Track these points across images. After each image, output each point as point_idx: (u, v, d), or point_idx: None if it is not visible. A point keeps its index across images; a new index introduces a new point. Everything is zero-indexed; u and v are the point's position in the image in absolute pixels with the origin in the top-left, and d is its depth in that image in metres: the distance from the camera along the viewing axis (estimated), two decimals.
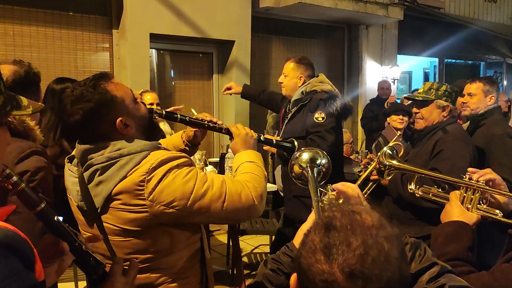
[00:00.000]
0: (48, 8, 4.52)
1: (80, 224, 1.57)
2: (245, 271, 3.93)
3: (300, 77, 3.16)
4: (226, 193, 1.46)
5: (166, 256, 1.49)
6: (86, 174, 1.46)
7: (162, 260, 1.49)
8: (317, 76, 3.24)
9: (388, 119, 4.42)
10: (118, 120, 1.45)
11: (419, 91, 2.66)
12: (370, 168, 2.10)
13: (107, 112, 1.44)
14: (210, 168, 3.54)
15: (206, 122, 1.79)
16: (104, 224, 1.46)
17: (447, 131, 2.49)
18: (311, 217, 1.23)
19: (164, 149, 1.55)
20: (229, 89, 3.71)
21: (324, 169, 1.43)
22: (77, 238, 1.00)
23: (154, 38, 4.85)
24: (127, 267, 1.13)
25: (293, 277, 0.84)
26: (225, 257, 4.46)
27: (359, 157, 5.29)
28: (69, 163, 1.57)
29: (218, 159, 3.72)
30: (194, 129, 1.87)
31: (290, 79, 3.19)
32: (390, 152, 1.97)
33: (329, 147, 2.88)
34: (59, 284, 2.98)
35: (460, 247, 1.41)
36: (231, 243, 3.77)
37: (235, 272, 3.71)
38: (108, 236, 1.47)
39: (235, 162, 1.69)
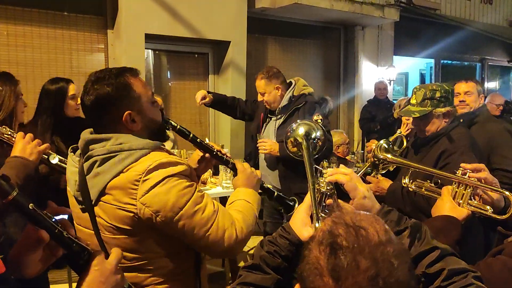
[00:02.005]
0: (42, 8, 4.49)
1: (75, 217, 1.56)
2: None
3: (277, 87, 3.37)
4: (213, 223, 1.44)
5: (157, 258, 1.47)
6: (86, 165, 1.46)
7: (152, 261, 1.47)
8: (293, 80, 3.43)
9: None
10: (126, 113, 1.46)
11: (411, 101, 2.39)
12: (365, 167, 2.09)
13: (120, 102, 1.46)
14: None
15: (215, 150, 1.78)
16: (97, 218, 1.45)
17: (453, 140, 2.29)
18: (307, 198, 1.21)
19: (167, 151, 1.54)
20: (204, 98, 3.61)
21: (320, 142, 1.42)
22: (57, 225, 0.97)
23: (150, 38, 4.83)
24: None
25: None
26: (221, 258, 4.44)
27: (355, 158, 5.30)
28: (72, 153, 1.58)
29: None
30: (198, 160, 1.82)
31: (269, 94, 3.36)
32: (386, 146, 1.97)
33: (332, 147, 3.04)
34: (54, 286, 2.96)
35: (448, 241, 1.40)
36: None
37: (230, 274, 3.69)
38: (100, 232, 1.46)
39: (232, 195, 1.67)
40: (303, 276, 0.77)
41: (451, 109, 2.33)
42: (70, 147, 1.60)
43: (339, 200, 1.19)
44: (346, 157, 4.57)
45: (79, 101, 3.03)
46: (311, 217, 1.15)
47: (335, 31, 7.00)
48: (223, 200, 3.79)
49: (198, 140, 1.75)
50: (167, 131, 1.68)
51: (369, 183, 2.36)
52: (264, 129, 3.49)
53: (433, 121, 2.31)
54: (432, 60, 8.89)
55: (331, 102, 3.32)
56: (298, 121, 1.53)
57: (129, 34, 4.68)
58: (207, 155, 1.80)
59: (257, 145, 3.35)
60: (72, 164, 1.55)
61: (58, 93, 2.89)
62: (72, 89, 2.96)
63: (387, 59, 7.44)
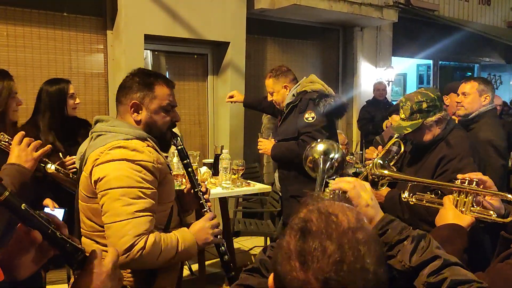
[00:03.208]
0: (42, 8, 4.49)
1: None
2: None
3: (285, 86, 3.26)
4: (122, 221, 1.48)
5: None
6: (89, 139, 1.72)
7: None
8: (307, 77, 3.30)
9: (389, 118, 4.38)
10: (134, 101, 1.67)
11: (401, 116, 2.35)
12: (362, 176, 2.10)
13: (136, 91, 1.67)
14: (204, 169, 3.53)
15: (199, 188, 1.83)
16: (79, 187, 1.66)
17: (451, 145, 2.27)
18: None
19: (153, 147, 1.64)
20: (231, 97, 3.77)
21: (336, 163, 1.42)
22: (50, 226, 0.96)
23: (149, 39, 4.84)
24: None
25: (271, 278, 0.83)
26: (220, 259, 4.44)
27: (354, 159, 5.31)
28: (90, 133, 1.78)
29: (213, 160, 3.70)
30: (186, 194, 1.90)
31: (277, 93, 3.29)
32: (381, 162, 1.98)
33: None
34: (53, 286, 2.97)
35: (455, 249, 1.41)
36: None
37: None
38: (80, 202, 1.67)
39: (181, 230, 1.69)
40: (276, 261, 0.79)
41: (441, 115, 2.28)
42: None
43: None
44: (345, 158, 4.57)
45: (77, 100, 3.08)
46: None
47: (334, 32, 7.02)
48: (223, 200, 3.82)
49: (190, 169, 1.83)
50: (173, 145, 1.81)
51: None
52: (276, 129, 3.45)
53: (427, 131, 2.29)
54: (431, 61, 8.92)
55: (331, 98, 3.05)
56: (318, 140, 1.57)
57: (129, 35, 4.69)
58: (188, 185, 1.87)
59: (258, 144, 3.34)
60: (87, 140, 1.77)
61: (60, 92, 2.94)
62: (71, 89, 3.01)
63: (386, 60, 7.45)
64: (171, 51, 5.36)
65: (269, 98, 3.34)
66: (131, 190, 1.50)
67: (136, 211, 1.49)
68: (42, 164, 2.16)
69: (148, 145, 1.62)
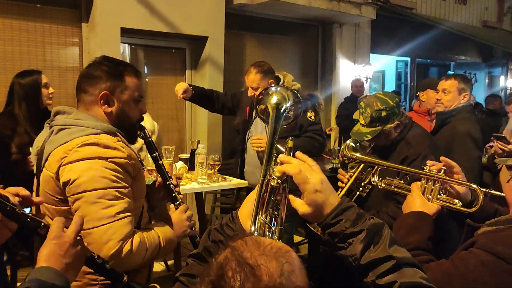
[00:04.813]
0: None
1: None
2: None
3: (270, 82, 3.32)
4: (104, 225, 1.40)
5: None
6: (48, 133, 1.57)
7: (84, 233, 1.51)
8: (280, 75, 3.44)
9: None
10: (104, 92, 1.55)
11: (361, 121, 2.39)
12: (351, 180, 2.11)
13: (106, 81, 1.56)
14: (180, 164, 3.50)
15: (170, 181, 1.75)
16: (40, 186, 1.53)
17: (411, 144, 2.32)
18: (256, 188, 1.08)
19: (123, 141, 1.56)
20: (185, 92, 3.56)
21: (291, 113, 1.21)
22: (9, 202, 0.96)
23: (126, 32, 4.76)
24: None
25: None
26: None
27: (332, 155, 5.35)
28: (48, 125, 1.64)
29: (189, 155, 3.67)
30: (156, 188, 1.80)
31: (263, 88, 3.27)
32: (354, 145, 2.00)
33: (325, 141, 3.08)
34: None
35: (421, 237, 1.44)
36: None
37: None
38: (46, 205, 1.53)
39: (158, 227, 1.63)
40: None
41: (399, 121, 2.33)
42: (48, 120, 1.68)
43: (290, 196, 1.05)
44: (323, 154, 4.61)
45: (51, 90, 3.04)
46: (260, 206, 1.04)
47: (313, 28, 7.04)
48: (198, 195, 3.79)
49: (160, 163, 1.75)
50: (142, 138, 1.73)
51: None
52: (251, 124, 3.44)
53: (385, 136, 2.34)
54: (408, 59, 9.04)
55: (320, 97, 3.28)
56: (272, 87, 1.34)
57: (104, 28, 4.60)
58: (159, 179, 1.78)
59: (251, 142, 3.29)
60: (42, 134, 1.65)
61: (34, 83, 2.93)
62: (44, 78, 2.99)
63: (364, 56, 7.52)
64: (148, 45, 5.30)
65: (250, 93, 3.33)
66: (108, 191, 1.41)
67: (117, 213, 1.41)
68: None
69: (119, 140, 1.53)
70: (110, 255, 1.38)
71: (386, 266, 0.94)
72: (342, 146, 2.00)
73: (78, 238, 1.03)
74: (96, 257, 1.06)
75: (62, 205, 1.47)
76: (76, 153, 1.42)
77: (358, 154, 1.95)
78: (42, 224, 1.00)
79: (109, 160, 1.43)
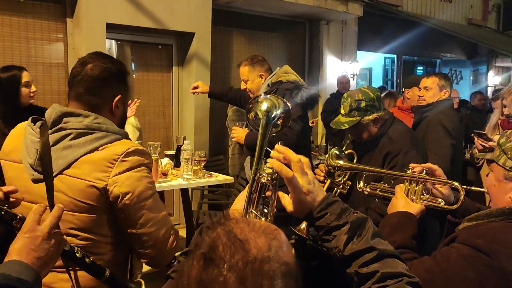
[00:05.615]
0: None
1: (22, 192, 1.46)
2: None
3: (260, 75, 3.25)
4: (166, 223, 1.54)
5: (102, 243, 1.50)
6: (54, 136, 1.47)
7: (97, 245, 1.49)
8: (279, 68, 3.29)
9: None
10: (119, 96, 1.55)
11: (341, 111, 2.40)
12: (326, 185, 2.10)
13: (118, 83, 1.56)
14: (166, 160, 3.48)
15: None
16: (55, 192, 1.44)
17: (393, 140, 2.32)
18: (247, 188, 1.10)
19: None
20: (196, 88, 3.67)
21: (280, 120, 1.20)
22: None
23: (111, 28, 4.71)
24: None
25: None
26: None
27: (318, 151, 5.37)
28: (32, 123, 1.56)
29: (174, 151, 3.66)
30: None
31: (252, 81, 3.26)
32: (337, 153, 2.00)
33: (296, 136, 2.94)
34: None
35: (405, 236, 1.47)
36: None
37: None
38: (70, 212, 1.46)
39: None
40: (177, 278, 0.77)
41: (379, 115, 2.33)
42: (30, 118, 1.59)
43: (280, 193, 1.09)
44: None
45: (33, 88, 2.95)
46: (251, 202, 1.07)
47: (300, 25, 7.05)
48: (184, 192, 3.78)
49: None
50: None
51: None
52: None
53: (364, 128, 2.34)
54: (395, 56, 9.11)
55: (305, 89, 3.10)
56: (262, 94, 1.37)
57: (89, 23, 4.55)
58: None
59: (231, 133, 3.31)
60: (32, 134, 1.52)
61: (11, 81, 2.80)
62: (25, 76, 2.87)
63: (351, 53, 7.55)
64: (135, 41, 5.25)
65: (243, 86, 3.32)
66: (156, 194, 1.53)
67: (165, 211, 1.55)
68: None
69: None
70: (173, 248, 1.54)
71: (368, 256, 0.98)
72: (327, 156, 2.00)
73: (55, 231, 1.01)
74: (75, 250, 1.04)
75: (78, 211, 1.44)
76: (124, 163, 1.44)
77: (341, 162, 1.96)
78: (18, 217, 0.98)
79: (147, 165, 1.52)
